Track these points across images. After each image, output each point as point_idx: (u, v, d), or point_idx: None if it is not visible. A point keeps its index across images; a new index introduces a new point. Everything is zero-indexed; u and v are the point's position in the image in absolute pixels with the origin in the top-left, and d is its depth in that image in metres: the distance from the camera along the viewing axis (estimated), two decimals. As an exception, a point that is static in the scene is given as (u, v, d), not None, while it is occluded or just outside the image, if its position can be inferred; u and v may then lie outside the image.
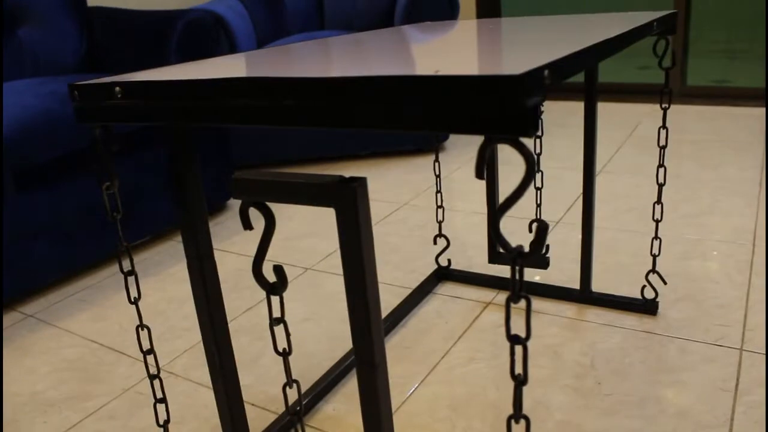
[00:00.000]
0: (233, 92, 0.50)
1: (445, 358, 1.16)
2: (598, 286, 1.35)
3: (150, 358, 1.19)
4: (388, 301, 1.38)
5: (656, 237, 1.20)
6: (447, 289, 1.41)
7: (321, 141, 2.33)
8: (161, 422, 0.79)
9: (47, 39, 1.87)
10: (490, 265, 1.46)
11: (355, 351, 0.54)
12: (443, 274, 1.46)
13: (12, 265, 1.40)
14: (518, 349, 1.07)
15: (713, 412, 0.96)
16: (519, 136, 0.41)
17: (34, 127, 1.39)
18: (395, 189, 2.08)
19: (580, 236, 1.59)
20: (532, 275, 1.42)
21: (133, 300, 0.73)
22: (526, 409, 1.01)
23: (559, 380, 1.08)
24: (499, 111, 0.41)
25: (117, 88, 0.59)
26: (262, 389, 1.11)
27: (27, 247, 1.42)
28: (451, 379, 1.10)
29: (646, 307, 1.25)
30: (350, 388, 1.10)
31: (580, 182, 1.98)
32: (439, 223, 1.39)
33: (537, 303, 1.32)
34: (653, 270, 1.22)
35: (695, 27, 3.11)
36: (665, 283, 1.32)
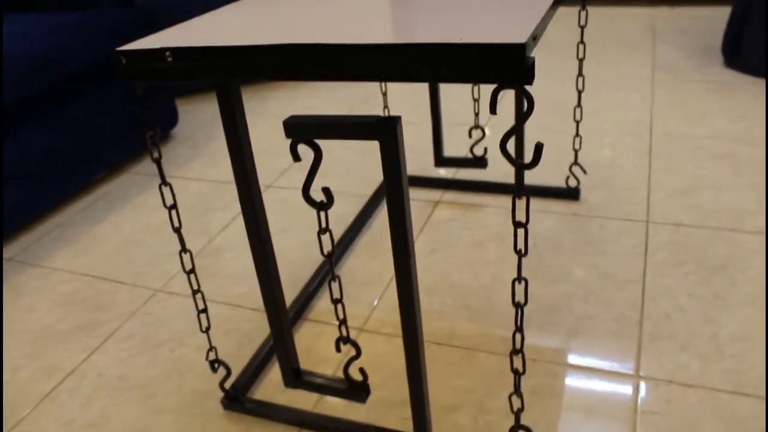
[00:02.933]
0: (289, 56, 0.62)
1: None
2: (528, 179, 1.58)
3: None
4: (350, 209, 1.54)
5: (577, 134, 1.42)
6: (400, 194, 1.59)
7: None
8: (203, 329, 0.93)
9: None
10: (436, 168, 1.65)
11: (394, 247, 0.71)
12: (394, 182, 1.63)
13: (-18, 212, 1.43)
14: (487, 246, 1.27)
15: (630, 272, 1.22)
16: (523, 85, 0.57)
17: (-18, 73, 1.38)
18: (331, 103, 2.20)
19: (507, 137, 1.80)
20: (472, 176, 1.62)
21: (168, 206, 0.85)
22: (486, 285, 1.23)
23: (508, 260, 1.30)
24: (510, 67, 0.57)
25: (167, 53, 0.69)
26: (258, 295, 1.26)
27: (-7, 192, 1.45)
28: (418, 268, 1.30)
29: (570, 194, 1.49)
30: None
31: (499, 87, 2.17)
32: (388, 136, 1.55)
33: (480, 197, 1.53)
34: (575, 162, 1.45)
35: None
36: (585, 173, 1.57)
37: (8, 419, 1.03)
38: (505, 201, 1.51)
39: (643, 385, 0.97)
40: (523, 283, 0.69)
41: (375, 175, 1.68)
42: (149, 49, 0.70)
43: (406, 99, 2.19)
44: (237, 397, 1.00)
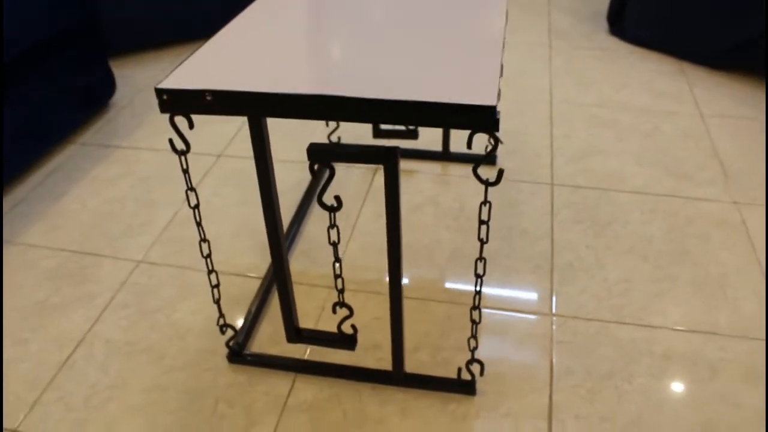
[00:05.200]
0: (319, 105, 0.81)
1: (360, 218, 1.59)
2: (452, 147, 1.83)
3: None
4: (299, 176, 1.73)
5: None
6: (342, 162, 1.80)
7: (187, 25, 2.42)
8: (215, 300, 1.12)
9: None
10: (374, 139, 1.85)
11: (387, 214, 0.94)
12: (337, 150, 1.83)
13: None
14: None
15: (541, 229, 1.53)
16: (492, 132, 0.81)
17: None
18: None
19: (430, 104, 2.03)
20: (408, 144, 1.84)
21: (193, 206, 1.02)
22: (427, 245, 1.49)
23: (443, 222, 1.57)
24: (483, 120, 0.79)
25: (207, 94, 0.85)
26: (236, 262, 1.45)
27: (-44, 174, 1.50)
28: (369, 232, 1.54)
29: (489, 160, 1.76)
30: (301, 248, 1.48)
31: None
32: (331, 109, 1.73)
33: (413, 164, 1.77)
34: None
35: None
36: (502, 143, 1.84)
37: (34, 385, 1.18)
38: (434, 167, 1.76)
39: (555, 321, 1.28)
40: (483, 261, 0.94)
41: (318, 144, 1.87)
42: (191, 90, 0.85)
43: (333, 62, 2.35)
44: (240, 353, 1.21)
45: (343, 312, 1.20)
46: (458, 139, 1.87)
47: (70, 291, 1.39)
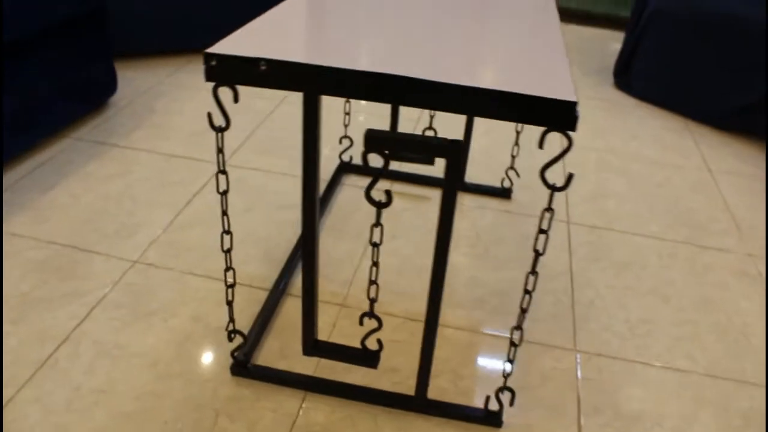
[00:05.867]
0: (379, 84, 0.75)
1: (373, 237, 1.51)
2: (467, 178, 1.79)
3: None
4: (310, 193, 1.66)
5: (516, 143, 1.64)
6: (352, 180, 1.73)
7: (195, 34, 2.36)
8: (227, 302, 1.03)
9: None
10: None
11: (439, 227, 0.87)
12: (346, 168, 1.76)
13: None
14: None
15: (560, 265, 1.47)
16: (568, 131, 0.76)
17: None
18: (267, 85, 2.26)
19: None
20: (416, 169, 1.79)
21: (222, 191, 0.94)
22: (442, 270, 1.42)
23: (460, 249, 1.50)
24: (562, 117, 0.74)
25: (262, 63, 0.78)
26: (240, 271, 1.35)
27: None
28: (383, 252, 1.46)
29: (504, 193, 1.72)
30: (310, 265, 1.40)
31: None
32: (345, 126, 1.68)
33: (428, 191, 1.71)
34: (511, 167, 1.68)
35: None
36: (519, 176, 1.80)
37: (8, 383, 1.05)
38: (447, 195, 1.71)
39: (579, 357, 1.22)
40: (535, 275, 0.88)
41: (328, 162, 1.80)
42: (245, 57, 0.78)
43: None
44: (245, 364, 1.10)
45: (370, 324, 1.11)
46: (470, 170, 1.82)
47: (57, 285, 1.27)
